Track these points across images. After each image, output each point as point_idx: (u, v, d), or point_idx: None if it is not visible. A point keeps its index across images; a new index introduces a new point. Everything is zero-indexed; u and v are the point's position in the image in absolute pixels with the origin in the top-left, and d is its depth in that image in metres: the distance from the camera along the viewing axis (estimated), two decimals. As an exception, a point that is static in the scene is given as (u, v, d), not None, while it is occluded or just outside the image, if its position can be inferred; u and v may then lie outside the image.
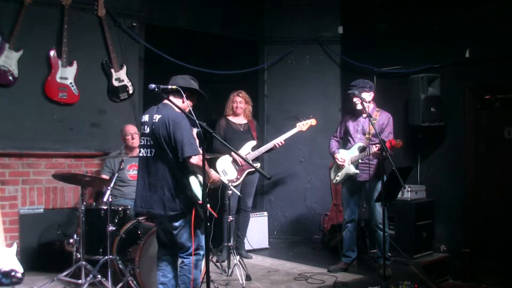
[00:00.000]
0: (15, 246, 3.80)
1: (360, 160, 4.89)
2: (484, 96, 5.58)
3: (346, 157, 4.96)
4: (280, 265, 5.43)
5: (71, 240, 4.43)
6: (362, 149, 4.88)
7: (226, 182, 4.85)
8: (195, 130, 3.48)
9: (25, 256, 4.88)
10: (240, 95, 5.60)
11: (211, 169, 3.77)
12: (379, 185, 4.74)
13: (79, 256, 4.35)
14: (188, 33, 6.39)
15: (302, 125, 5.41)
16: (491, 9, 5.39)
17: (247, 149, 5.38)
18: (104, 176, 4.93)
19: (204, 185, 3.16)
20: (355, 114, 5.02)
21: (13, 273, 3.62)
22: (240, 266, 4.68)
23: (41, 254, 5.05)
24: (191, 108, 3.55)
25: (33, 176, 5.19)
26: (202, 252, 3.63)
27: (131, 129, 5.15)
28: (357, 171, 4.90)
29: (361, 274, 4.97)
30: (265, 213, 6.33)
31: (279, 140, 5.37)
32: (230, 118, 5.60)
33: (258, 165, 5.31)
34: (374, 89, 4.97)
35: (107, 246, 4.23)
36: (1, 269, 3.59)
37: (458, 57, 5.64)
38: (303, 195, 6.96)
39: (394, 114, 5.02)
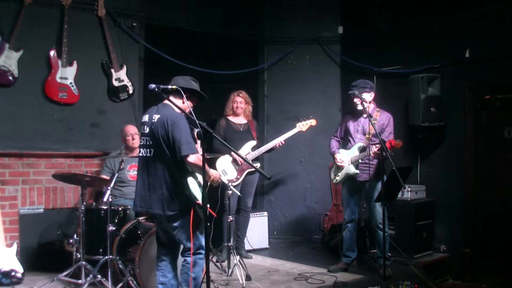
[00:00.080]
0: (15, 246, 3.79)
1: (360, 160, 4.89)
2: (484, 96, 5.58)
3: (346, 157, 4.96)
4: (280, 265, 5.43)
5: (71, 240, 4.43)
6: (362, 149, 4.88)
7: (226, 182, 4.85)
8: (196, 131, 3.48)
9: (25, 256, 4.88)
10: (241, 95, 5.60)
11: (210, 168, 3.77)
12: (379, 185, 4.74)
13: (79, 256, 4.35)
14: (188, 33, 6.39)
15: (302, 126, 5.41)
16: (491, 9, 5.39)
17: (247, 149, 5.38)
18: (104, 176, 4.93)
19: (204, 185, 3.17)
20: (355, 114, 5.02)
21: (13, 273, 3.62)
22: (240, 266, 4.68)
23: (41, 254, 5.05)
24: (191, 109, 3.55)
25: (33, 176, 5.19)
26: (203, 251, 3.63)
27: (131, 129, 5.15)
28: (357, 171, 4.90)
29: (361, 274, 4.97)
30: (265, 213, 6.33)
31: (279, 140, 5.38)
32: (230, 118, 5.60)
33: (258, 165, 5.31)
34: (374, 89, 4.97)
35: (107, 246, 4.23)
36: (1, 269, 3.59)
37: (458, 57, 5.64)
38: (303, 195, 6.96)
39: (394, 114, 5.02)
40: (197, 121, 3.14)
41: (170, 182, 3.51)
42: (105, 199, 4.33)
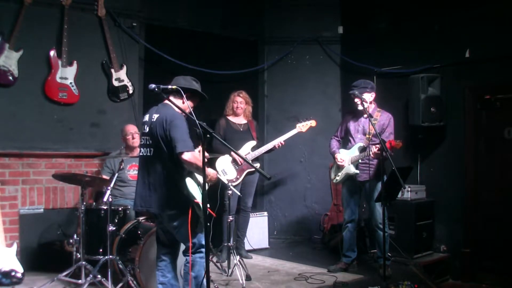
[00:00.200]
0: (15, 246, 3.79)
1: (360, 160, 4.89)
2: (484, 96, 5.58)
3: (346, 157, 4.96)
4: (280, 265, 5.43)
5: (71, 240, 4.43)
6: (362, 149, 4.88)
7: (226, 182, 4.85)
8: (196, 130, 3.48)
9: (25, 256, 4.89)
10: (241, 95, 5.60)
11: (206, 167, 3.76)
12: (379, 185, 4.74)
13: (79, 256, 4.35)
14: (188, 33, 6.39)
15: (302, 126, 5.41)
16: (491, 9, 5.39)
17: (247, 149, 5.38)
18: (104, 176, 4.93)
19: (204, 185, 3.16)
20: (356, 114, 5.02)
21: (13, 273, 3.61)
22: (240, 266, 4.68)
23: (41, 254, 5.06)
24: (191, 109, 3.55)
25: (33, 176, 5.19)
26: (203, 250, 3.63)
27: (131, 128, 5.15)
28: (357, 171, 4.90)
29: (361, 274, 4.97)
30: (265, 213, 6.33)
31: (279, 141, 5.37)
32: (230, 118, 5.60)
33: (258, 165, 5.31)
34: (375, 89, 4.97)
35: (107, 246, 4.24)
36: (1, 269, 3.59)
37: (458, 57, 5.64)
38: (303, 195, 6.96)
39: (394, 114, 5.02)
40: (197, 121, 3.14)
41: (169, 182, 3.51)
42: (105, 199, 4.33)
